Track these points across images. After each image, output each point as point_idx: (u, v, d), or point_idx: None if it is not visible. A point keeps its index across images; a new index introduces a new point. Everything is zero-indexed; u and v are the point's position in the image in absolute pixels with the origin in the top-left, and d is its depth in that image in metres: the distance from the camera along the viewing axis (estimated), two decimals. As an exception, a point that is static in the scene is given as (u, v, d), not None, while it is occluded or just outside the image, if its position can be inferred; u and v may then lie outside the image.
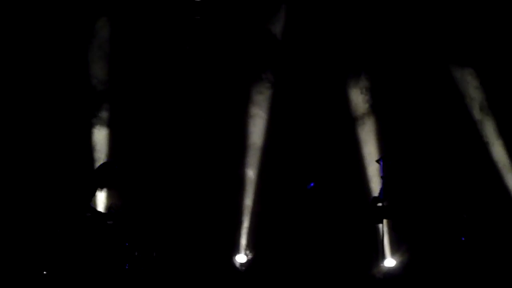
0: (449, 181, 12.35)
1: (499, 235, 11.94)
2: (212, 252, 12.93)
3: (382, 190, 11.53)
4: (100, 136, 13.10)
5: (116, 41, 13.18)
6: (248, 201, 13.26)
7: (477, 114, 12.95)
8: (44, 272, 10.99)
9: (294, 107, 13.39)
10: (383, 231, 11.99)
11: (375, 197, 11.64)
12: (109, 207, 11.94)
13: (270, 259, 12.85)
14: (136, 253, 11.68)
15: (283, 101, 13.39)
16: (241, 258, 13.00)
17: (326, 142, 13.29)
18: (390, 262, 12.45)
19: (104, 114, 13.16)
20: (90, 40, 13.10)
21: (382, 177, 11.63)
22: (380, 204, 11.45)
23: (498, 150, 12.67)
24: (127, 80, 13.26)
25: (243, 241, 13.11)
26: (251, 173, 13.28)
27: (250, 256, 12.99)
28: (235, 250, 13.08)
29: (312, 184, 12.27)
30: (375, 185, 12.86)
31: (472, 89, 13.00)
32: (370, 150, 13.16)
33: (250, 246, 13.09)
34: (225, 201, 13.18)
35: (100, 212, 11.79)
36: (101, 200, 12.75)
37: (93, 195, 12.05)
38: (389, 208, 11.54)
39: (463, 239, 11.29)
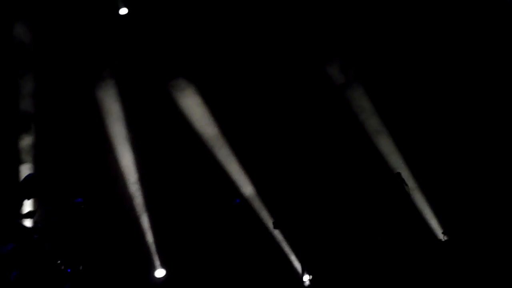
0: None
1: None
2: (132, 269, 12.91)
3: None
4: (25, 145, 12.81)
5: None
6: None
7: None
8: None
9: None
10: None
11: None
12: (34, 221, 11.69)
13: (188, 271, 12.97)
14: (62, 267, 11.51)
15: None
16: (160, 272, 13.01)
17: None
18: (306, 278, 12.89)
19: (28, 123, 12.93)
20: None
21: None
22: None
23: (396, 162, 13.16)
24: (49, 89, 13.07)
25: (156, 256, 13.16)
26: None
27: (167, 270, 13.03)
28: (152, 265, 13.08)
29: (237, 200, 12.56)
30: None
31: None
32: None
33: (165, 260, 13.15)
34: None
35: (26, 226, 11.54)
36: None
37: (19, 207, 11.78)
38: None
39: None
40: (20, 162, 12.77)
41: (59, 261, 11.47)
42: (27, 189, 11.65)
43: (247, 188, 13.43)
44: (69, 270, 11.47)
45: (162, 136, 13.59)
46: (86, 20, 13.22)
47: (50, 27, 13.20)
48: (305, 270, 12.48)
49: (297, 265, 12.90)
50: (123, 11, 12.92)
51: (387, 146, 12.95)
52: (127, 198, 13.38)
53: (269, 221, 13.20)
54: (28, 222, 11.81)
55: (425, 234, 12.40)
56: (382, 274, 11.77)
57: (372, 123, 13.12)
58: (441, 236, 12.21)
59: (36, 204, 12.44)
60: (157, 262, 13.10)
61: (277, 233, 13.18)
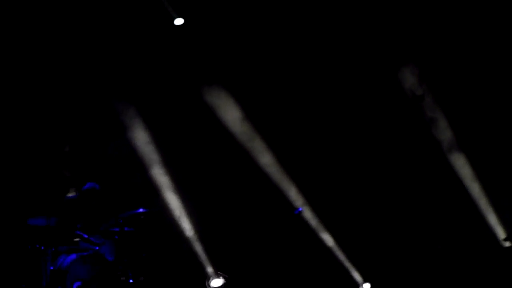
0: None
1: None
2: (189, 279, 12.96)
3: None
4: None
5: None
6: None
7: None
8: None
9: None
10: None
11: None
12: (94, 232, 11.81)
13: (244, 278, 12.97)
14: (123, 278, 11.57)
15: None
16: (216, 282, 12.98)
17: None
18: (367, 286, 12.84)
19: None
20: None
21: None
22: None
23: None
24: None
25: (210, 265, 13.18)
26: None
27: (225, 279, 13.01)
28: (207, 275, 13.08)
29: (300, 209, 12.53)
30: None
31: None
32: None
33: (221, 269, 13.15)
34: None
35: (86, 237, 11.66)
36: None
37: (79, 218, 11.90)
38: None
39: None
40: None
41: (119, 272, 11.53)
42: (86, 200, 11.78)
43: (303, 200, 13.36)
44: (131, 281, 11.52)
45: (207, 147, 13.56)
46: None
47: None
48: (365, 279, 12.46)
49: (357, 276, 12.84)
50: (179, 21, 12.91)
51: (458, 160, 12.83)
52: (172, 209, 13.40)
53: (323, 231, 13.15)
54: (88, 234, 11.92)
55: (488, 241, 12.31)
56: (444, 282, 11.73)
57: (445, 136, 12.99)
58: (503, 243, 12.13)
59: (95, 215, 12.50)
60: (212, 271, 13.10)
61: (334, 242, 13.12)
